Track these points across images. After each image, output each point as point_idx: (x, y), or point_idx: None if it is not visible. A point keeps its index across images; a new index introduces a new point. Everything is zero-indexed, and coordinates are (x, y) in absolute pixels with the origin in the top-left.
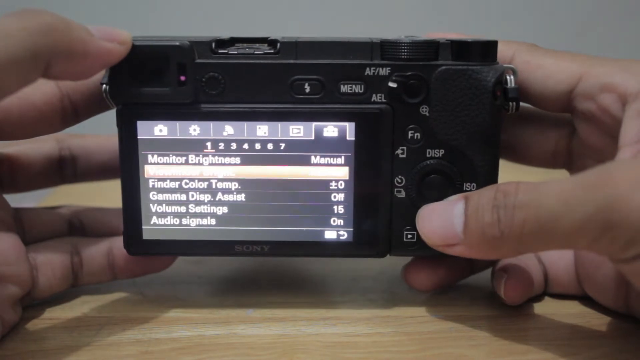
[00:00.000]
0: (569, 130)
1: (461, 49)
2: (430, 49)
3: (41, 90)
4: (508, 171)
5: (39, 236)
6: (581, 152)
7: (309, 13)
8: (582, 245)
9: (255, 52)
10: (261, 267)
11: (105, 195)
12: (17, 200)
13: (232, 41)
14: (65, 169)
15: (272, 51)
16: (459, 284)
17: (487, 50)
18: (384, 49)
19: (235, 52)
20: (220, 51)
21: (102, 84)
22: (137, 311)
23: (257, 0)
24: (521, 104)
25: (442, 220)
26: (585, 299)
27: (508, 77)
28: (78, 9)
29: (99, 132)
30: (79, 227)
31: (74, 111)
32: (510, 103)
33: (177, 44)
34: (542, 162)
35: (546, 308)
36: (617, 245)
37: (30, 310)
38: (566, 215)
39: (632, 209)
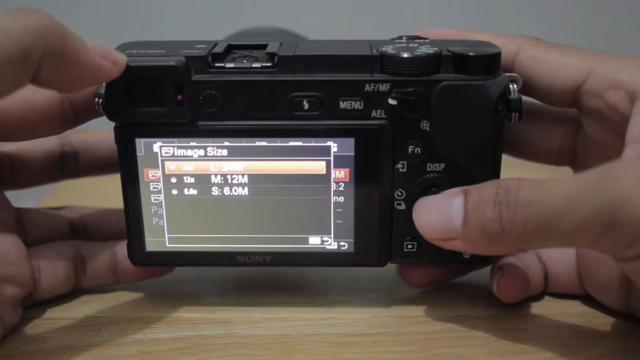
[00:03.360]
0: (574, 127)
1: (463, 63)
2: (432, 63)
3: (42, 93)
4: (512, 168)
5: (40, 237)
6: (586, 150)
7: (310, 12)
8: (583, 243)
9: (253, 66)
10: (261, 268)
11: (106, 193)
12: (18, 195)
13: (230, 48)
14: (67, 164)
15: (269, 64)
16: (459, 284)
17: (490, 63)
18: (384, 62)
19: (232, 66)
20: (217, 65)
21: (96, 96)
22: (137, 311)
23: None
24: (526, 99)
25: (440, 213)
26: (586, 299)
27: (511, 87)
28: (79, 8)
29: (100, 127)
30: (81, 228)
31: (74, 114)
32: (513, 113)
33: (173, 63)
34: (546, 159)
35: (547, 308)
36: (620, 243)
37: (31, 311)
38: (569, 213)
39: (637, 207)
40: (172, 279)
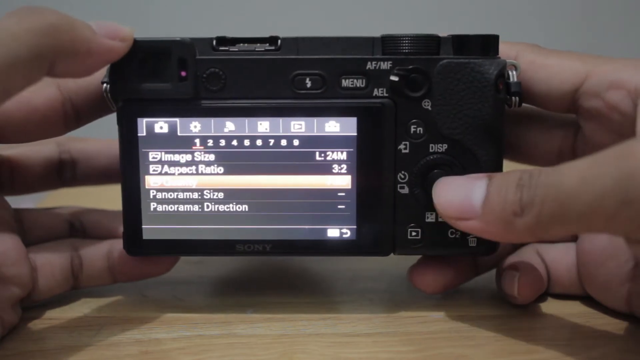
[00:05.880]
0: (574, 130)
1: (462, 43)
2: (432, 43)
3: (43, 95)
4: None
5: (39, 237)
6: (586, 152)
7: (309, 16)
8: (598, 224)
9: (256, 50)
10: (261, 268)
11: (106, 197)
12: (16, 200)
13: (233, 41)
14: (65, 172)
15: (273, 48)
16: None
17: (488, 44)
18: (385, 44)
19: (236, 50)
20: (221, 48)
21: (102, 82)
22: (137, 311)
23: (256, 4)
24: (525, 105)
25: (461, 192)
26: (587, 299)
27: (510, 72)
28: (79, 8)
29: (100, 136)
30: (79, 228)
31: (75, 115)
32: (513, 98)
33: (178, 39)
34: (546, 162)
35: (547, 308)
36: (635, 222)
37: (31, 311)
38: (584, 192)
39: None
40: (172, 279)
